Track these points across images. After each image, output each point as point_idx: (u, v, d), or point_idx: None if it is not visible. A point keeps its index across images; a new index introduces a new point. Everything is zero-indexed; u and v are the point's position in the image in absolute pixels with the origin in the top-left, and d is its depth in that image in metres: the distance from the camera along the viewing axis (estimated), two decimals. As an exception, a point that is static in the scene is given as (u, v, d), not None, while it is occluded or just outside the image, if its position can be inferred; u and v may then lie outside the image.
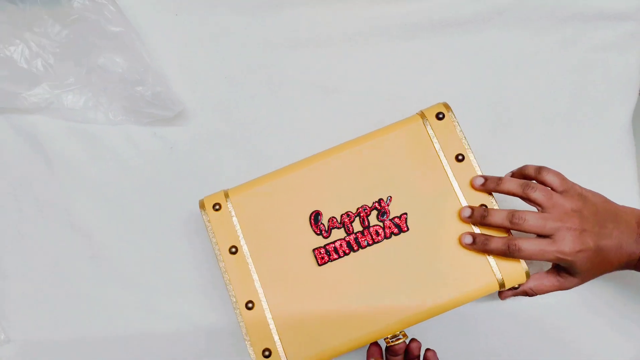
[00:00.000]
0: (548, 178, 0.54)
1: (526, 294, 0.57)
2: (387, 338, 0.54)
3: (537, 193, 0.53)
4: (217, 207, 0.57)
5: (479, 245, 0.53)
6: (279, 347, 0.53)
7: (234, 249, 0.56)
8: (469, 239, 0.54)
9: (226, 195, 0.58)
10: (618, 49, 0.74)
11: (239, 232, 0.56)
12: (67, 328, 0.71)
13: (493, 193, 0.56)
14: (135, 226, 0.72)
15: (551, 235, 0.51)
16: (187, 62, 0.74)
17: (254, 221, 0.57)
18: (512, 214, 0.52)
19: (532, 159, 0.72)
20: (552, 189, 0.54)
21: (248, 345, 0.53)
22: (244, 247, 0.56)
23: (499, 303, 0.70)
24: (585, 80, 0.74)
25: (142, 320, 0.71)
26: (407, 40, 0.74)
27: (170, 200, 0.72)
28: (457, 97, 0.68)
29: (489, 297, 0.71)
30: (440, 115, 0.58)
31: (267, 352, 0.52)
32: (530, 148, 0.73)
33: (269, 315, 0.54)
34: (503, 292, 0.58)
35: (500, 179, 0.55)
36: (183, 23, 0.75)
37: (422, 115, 0.59)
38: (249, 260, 0.55)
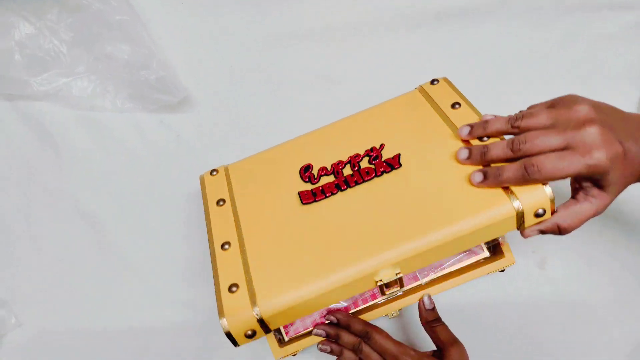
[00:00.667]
0: (533, 112, 0.46)
1: (559, 229, 0.46)
2: (380, 281, 0.46)
3: (527, 119, 0.45)
4: (215, 172, 0.58)
5: (492, 179, 0.45)
6: (247, 283, 0.47)
7: (221, 202, 0.54)
8: (479, 177, 0.46)
9: (225, 166, 0.59)
10: (622, 40, 0.73)
11: (231, 190, 0.55)
12: (76, 313, 0.71)
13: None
14: (141, 214, 0.73)
15: (566, 147, 0.42)
16: (191, 50, 0.75)
17: (247, 181, 0.56)
18: (512, 141, 0.45)
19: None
20: None
21: (214, 280, 0.48)
22: (232, 201, 0.54)
23: (498, 295, 0.70)
24: (590, 72, 0.73)
25: (149, 308, 0.71)
26: (411, 30, 0.74)
27: (176, 189, 0.73)
28: (459, 88, 0.69)
29: (491, 287, 0.70)
30: (435, 82, 0.57)
31: (234, 288, 0.47)
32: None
33: (244, 254, 0.49)
34: (527, 228, 0.47)
35: (486, 121, 0.48)
36: (187, 12, 0.76)
37: (419, 88, 0.59)
38: (235, 210, 0.53)
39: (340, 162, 0.54)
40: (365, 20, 0.74)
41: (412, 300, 0.58)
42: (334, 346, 0.55)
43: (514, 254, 0.59)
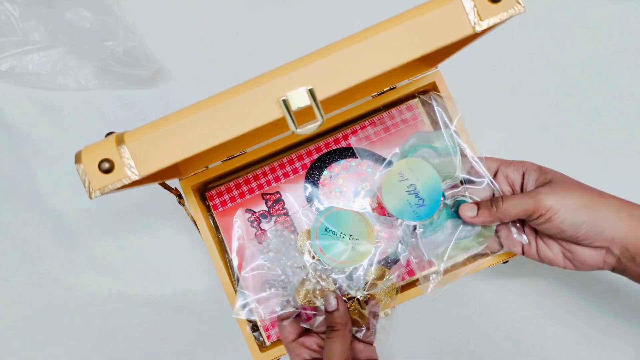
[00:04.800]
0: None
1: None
2: (285, 102, 0.35)
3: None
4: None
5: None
6: (124, 155, 0.35)
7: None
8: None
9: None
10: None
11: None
12: (36, 312, 0.67)
13: None
14: (105, 206, 0.67)
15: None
16: (162, 19, 0.67)
17: None
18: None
19: (541, 128, 0.66)
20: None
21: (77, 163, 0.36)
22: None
23: (501, 288, 0.66)
24: (602, 36, 0.67)
25: (117, 304, 0.67)
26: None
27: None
28: (459, 57, 0.62)
29: (494, 279, 0.66)
30: None
31: (106, 164, 0.35)
32: (539, 115, 0.67)
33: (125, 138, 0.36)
34: None
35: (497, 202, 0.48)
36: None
37: None
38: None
39: None
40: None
41: (408, 296, 0.54)
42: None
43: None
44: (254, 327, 0.55)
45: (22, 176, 0.67)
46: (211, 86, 0.66)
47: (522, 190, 0.49)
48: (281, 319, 0.49)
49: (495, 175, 0.50)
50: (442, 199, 0.51)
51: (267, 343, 0.55)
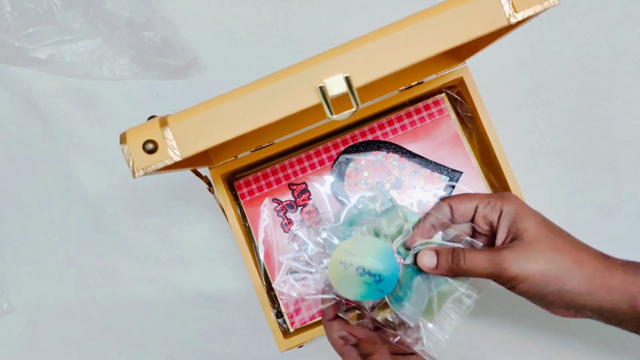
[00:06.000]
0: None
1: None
2: (323, 88, 0.36)
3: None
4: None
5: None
6: (167, 136, 0.37)
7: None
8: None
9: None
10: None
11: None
12: (69, 295, 0.68)
13: None
14: (136, 194, 0.68)
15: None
16: (194, 10, 0.68)
17: None
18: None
19: (564, 126, 0.66)
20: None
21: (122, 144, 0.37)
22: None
23: None
24: (629, 34, 0.66)
25: (144, 288, 0.68)
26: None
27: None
28: (482, 55, 0.62)
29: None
30: None
31: (150, 145, 0.36)
32: (562, 113, 0.67)
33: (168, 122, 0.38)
34: None
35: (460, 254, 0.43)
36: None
37: None
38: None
39: None
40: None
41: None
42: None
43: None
44: (278, 314, 0.56)
45: (57, 163, 0.69)
46: (242, 78, 0.67)
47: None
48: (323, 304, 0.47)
49: (474, 215, 0.45)
50: (400, 260, 0.46)
51: (291, 329, 0.56)
